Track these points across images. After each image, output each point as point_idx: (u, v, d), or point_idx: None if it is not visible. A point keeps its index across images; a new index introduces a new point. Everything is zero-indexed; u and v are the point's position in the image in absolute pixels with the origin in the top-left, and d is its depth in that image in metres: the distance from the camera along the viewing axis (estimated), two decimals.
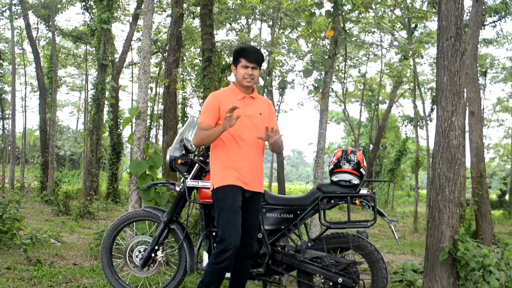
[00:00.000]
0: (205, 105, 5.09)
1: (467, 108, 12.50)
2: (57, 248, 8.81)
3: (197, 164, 5.63)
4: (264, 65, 24.92)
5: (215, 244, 5.04)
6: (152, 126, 31.58)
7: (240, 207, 4.96)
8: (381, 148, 39.48)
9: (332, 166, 5.57)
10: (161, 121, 28.33)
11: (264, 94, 25.16)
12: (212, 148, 5.14)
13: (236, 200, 4.94)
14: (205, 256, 5.52)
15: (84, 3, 24.14)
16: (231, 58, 5.40)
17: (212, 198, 5.07)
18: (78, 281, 6.52)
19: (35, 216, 14.53)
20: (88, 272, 7.05)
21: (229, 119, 4.69)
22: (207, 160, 5.68)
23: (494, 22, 25.54)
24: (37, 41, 26.66)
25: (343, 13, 9.12)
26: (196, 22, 21.35)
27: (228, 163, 4.99)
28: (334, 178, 5.52)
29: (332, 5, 8.71)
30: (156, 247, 5.72)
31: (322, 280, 5.40)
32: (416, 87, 21.75)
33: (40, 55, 25.85)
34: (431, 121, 27.79)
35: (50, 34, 25.43)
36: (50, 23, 22.86)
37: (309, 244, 5.51)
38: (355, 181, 5.45)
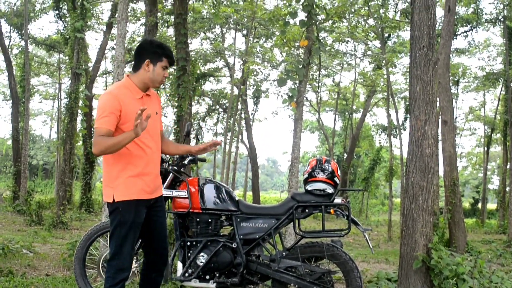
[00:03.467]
0: (104, 106, 4.36)
1: (439, 117, 12.60)
2: (29, 259, 8.71)
3: (171, 174, 5.60)
4: (239, 74, 24.99)
5: (106, 264, 4.64)
6: None
7: (142, 223, 4.60)
8: (355, 157, 39.66)
9: (306, 175, 5.57)
10: None
11: (239, 103, 25.21)
12: (113, 155, 4.47)
13: (140, 216, 4.56)
14: (179, 266, 5.49)
15: (57, 12, 23.95)
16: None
17: (110, 207, 4.55)
18: None
19: (7, 226, 14.35)
20: (61, 283, 6.97)
21: (140, 123, 4.09)
22: (182, 170, 5.67)
23: (466, 32, 25.87)
24: (9, 50, 26.38)
25: (317, 23, 9.17)
26: (170, 31, 21.35)
27: (134, 172, 4.49)
28: (309, 187, 5.52)
29: (306, 14, 8.75)
30: None
31: None
32: (390, 96, 21.89)
33: (13, 63, 25.55)
34: (404, 130, 28.01)
35: (23, 43, 25.22)
36: (23, 31, 22.67)
37: (284, 253, 5.49)
38: (330, 190, 5.45)
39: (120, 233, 4.48)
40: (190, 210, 5.45)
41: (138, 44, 4.78)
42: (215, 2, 19.55)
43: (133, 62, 4.66)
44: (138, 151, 4.50)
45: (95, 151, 4.29)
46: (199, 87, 26.37)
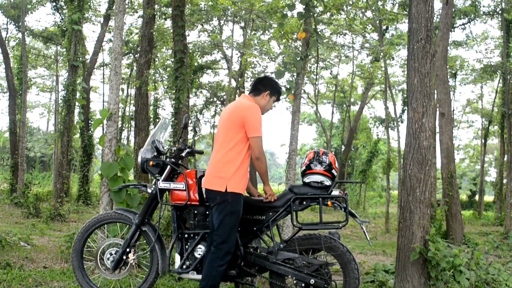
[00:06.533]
0: (260, 118, 5.37)
1: (437, 109, 12.60)
2: (27, 251, 8.71)
3: (168, 166, 5.61)
4: (236, 67, 24.97)
5: (213, 247, 5.16)
6: (123, 128, 31.36)
7: None
8: (352, 149, 39.66)
9: (304, 168, 5.57)
10: (132, 123, 28.18)
11: (236, 96, 25.22)
12: (238, 153, 5.26)
13: (242, 207, 5.30)
14: (177, 258, 5.50)
15: (54, 4, 23.90)
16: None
17: (219, 197, 5.17)
18: (49, 284, 6.45)
19: (5, 219, 14.34)
20: (59, 275, 6.98)
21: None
22: (179, 162, 5.68)
23: (463, 24, 25.85)
24: (6, 42, 26.29)
25: (315, 15, 9.14)
26: (168, 23, 21.33)
27: (245, 172, 5.34)
28: (306, 180, 5.52)
29: (304, 7, 8.72)
30: (128, 250, 5.68)
31: (295, 282, 5.39)
32: (387, 88, 21.86)
33: (10, 55, 25.48)
34: (402, 122, 27.98)
35: (20, 35, 25.14)
36: (20, 24, 22.62)
37: (281, 245, 5.50)
38: (327, 182, 5.46)
39: (229, 222, 5.18)
40: (188, 203, 5.45)
41: (265, 76, 6.07)
42: None
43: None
44: (249, 157, 5.42)
45: (258, 156, 5.33)
46: (197, 80, 26.32)
